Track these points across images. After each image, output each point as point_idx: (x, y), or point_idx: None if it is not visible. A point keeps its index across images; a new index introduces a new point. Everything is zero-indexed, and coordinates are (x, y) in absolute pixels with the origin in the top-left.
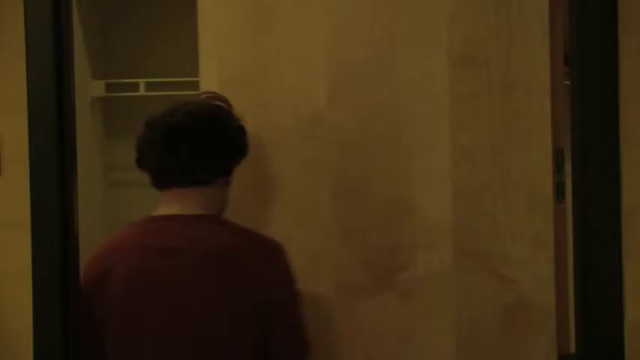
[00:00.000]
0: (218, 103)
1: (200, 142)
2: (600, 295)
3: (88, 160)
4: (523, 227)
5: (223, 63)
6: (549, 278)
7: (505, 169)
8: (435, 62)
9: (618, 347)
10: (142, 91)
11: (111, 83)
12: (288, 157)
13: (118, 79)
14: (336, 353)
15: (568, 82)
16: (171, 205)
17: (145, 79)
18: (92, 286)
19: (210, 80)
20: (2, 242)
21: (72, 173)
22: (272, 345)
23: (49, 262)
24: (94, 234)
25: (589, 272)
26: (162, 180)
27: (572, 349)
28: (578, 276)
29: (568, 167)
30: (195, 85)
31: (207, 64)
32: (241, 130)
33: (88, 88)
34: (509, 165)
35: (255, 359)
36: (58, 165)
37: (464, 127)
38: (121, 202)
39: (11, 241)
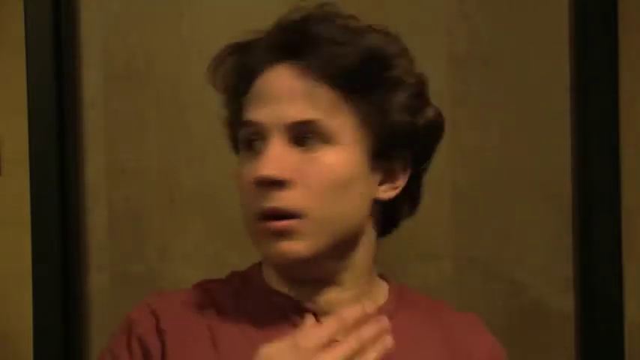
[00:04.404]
0: None
1: None
2: (600, 295)
3: None
4: (540, 230)
5: (110, 54)
6: (568, 281)
7: (518, 170)
8: (433, 60)
9: (618, 347)
10: None
11: None
12: (222, 165)
13: None
14: None
15: None
16: None
17: None
18: None
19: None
20: (2, 242)
21: (72, 173)
22: None
23: (49, 262)
24: None
25: (589, 272)
26: None
27: None
28: (579, 276)
29: None
30: None
31: (87, 52)
32: None
33: None
34: (524, 167)
35: None
36: (58, 165)
37: (467, 128)
38: None
39: (11, 241)
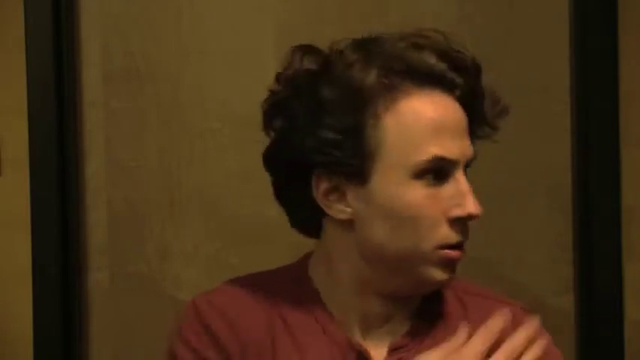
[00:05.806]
0: None
1: None
2: (600, 295)
3: None
4: (541, 230)
5: (110, 54)
6: (568, 281)
7: (518, 170)
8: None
9: (618, 347)
10: None
11: None
12: (222, 165)
13: None
14: None
15: None
16: None
17: None
18: None
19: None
20: (2, 242)
21: (72, 173)
22: None
23: (49, 262)
24: None
25: (589, 272)
26: None
27: None
28: (579, 276)
29: None
30: None
31: (87, 52)
32: None
33: None
34: (524, 167)
35: None
36: (58, 165)
37: None
38: None
39: (11, 241)
